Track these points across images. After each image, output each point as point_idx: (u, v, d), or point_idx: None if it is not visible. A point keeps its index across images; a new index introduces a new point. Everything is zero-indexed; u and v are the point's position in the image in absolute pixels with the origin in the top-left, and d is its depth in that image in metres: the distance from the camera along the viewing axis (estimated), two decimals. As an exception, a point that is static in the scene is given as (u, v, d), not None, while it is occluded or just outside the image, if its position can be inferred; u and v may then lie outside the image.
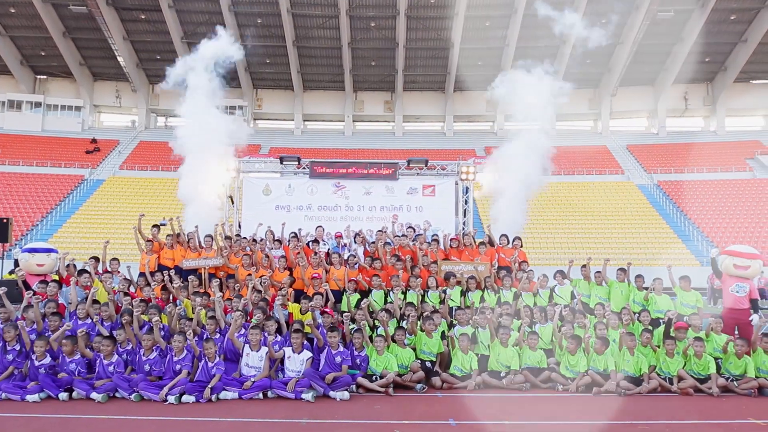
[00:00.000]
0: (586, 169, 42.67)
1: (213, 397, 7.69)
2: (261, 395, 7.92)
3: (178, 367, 8.05)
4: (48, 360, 8.15)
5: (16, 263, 11.72)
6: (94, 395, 7.60)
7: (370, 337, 9.11)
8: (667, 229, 35.41)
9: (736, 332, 9.90)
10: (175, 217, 13.16)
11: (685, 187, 40.52)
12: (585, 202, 38.33)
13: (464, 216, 16.80)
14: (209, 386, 7.73)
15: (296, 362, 8.30)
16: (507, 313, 9.91)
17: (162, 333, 8.96)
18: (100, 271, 11.20)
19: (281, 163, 17.06)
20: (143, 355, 8.29)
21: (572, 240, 33.52)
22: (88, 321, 9.16)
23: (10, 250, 24.67)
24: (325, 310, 9.85)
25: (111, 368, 8.08)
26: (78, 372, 8.12)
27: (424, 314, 9.87)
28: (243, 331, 8.91)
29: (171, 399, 7.50)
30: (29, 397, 7.55)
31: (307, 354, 8.42)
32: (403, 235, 13.14)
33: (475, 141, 48.00)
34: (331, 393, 7.91)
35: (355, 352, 8.71)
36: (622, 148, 47.35)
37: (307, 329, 9.28)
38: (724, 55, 46.77)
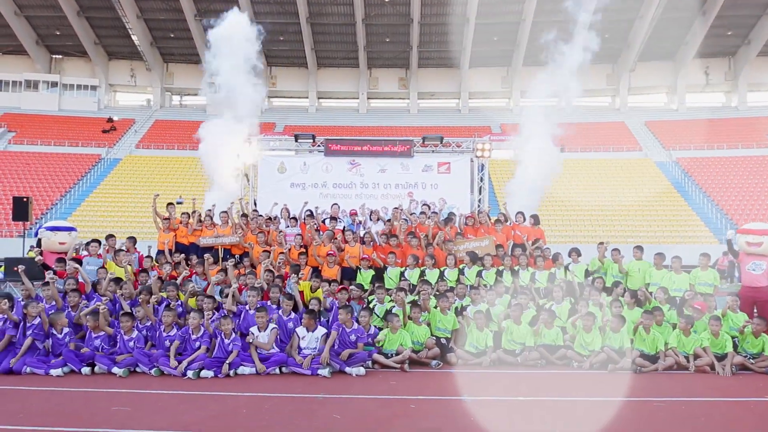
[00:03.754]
0: (603, 146, 42.19)
1: (231, 373, 7.82)
2: (278, 371, 8.04)
3: (197, 344, 8.18)
4: (68, 330, 8.35)
5: (39, 243, 11.90)
6: (115, 370, 7.77)
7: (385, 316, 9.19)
8: (686, 206, 35.03)
9: (755, 311, 9.83)
10: (192, 199, 13.29)
11: (705, 164, 39.96)
12: (602, 180, 37.97)
13: (480, 193, 16.77)
14: (227, 362, 7.86)
15: (311, 340, 8.38)
16: (522, 292, 9.92)
17: (180, 310, 9.11)
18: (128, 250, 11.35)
19: (296, 141, 17.11)
20: (164, 331, 8.42)
21: (589, 218, 33.30)
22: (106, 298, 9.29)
23: (30, 228, 25.06)
24: (343, 287, 9.93)
25: (131, 344, 8.24)
26: (102, 348, 8.30)
27: (440, 291, 9.91)
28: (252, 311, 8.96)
29: (190, 374, 7.63)
30: (53, 371, 7.73)
31: (321, 330, 8.50)
32: (421, 213, 13.15)
33: (491, 118, 47.59)
34: (347, 369, 8.00)
35: (364, 332, 8.74)
36: (641, 124, 46.70)
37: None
38: (748, 28, 45.69)
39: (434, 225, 12.36)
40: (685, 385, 7.67)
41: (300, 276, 10.31)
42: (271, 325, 8.49)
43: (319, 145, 16.90)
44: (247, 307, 9.05)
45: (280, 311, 9.01)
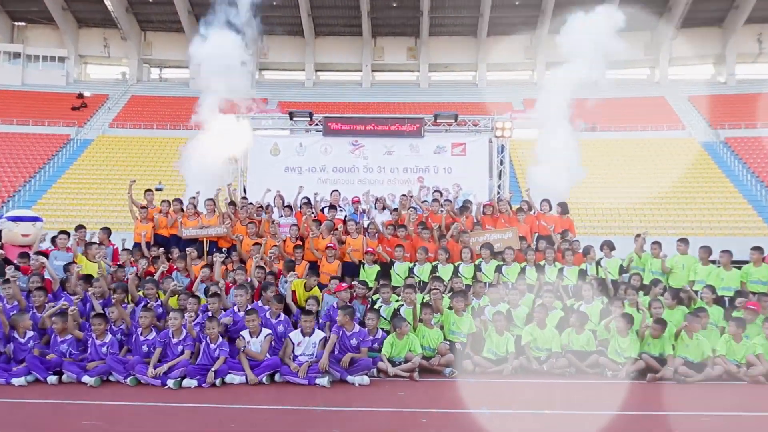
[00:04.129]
0: (640, 124, 41.88)
1: (217, 382, 7.79)
2: (270, 380, 8.00)
3: (179, 348, 8.15)
4: (32, 333, 8.34)
5: (-1, 235, 11.89)
6: (85, 378, 7.74)
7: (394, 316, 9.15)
8: (736, 193, 34.77)
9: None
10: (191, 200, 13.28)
11: (758, 144, 39.62)
12: (639, 162, 37.70)
13: (499, 178, 16.68)
14: (212, 369, 7.83)
15: (308, 346, 8.34)
16: (548, 291, 9.85)
17: (159, 311, 9.09)
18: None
19: (291, 119, 17.05)
20: (141, 334, 8.40)
21: (624, 206, 33.10)
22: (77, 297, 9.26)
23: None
24: (349, 285, 9.88)
25: (104, 349, 8.20)
26: (69, 353, 8.27)
27: (454, 289, 9.86)
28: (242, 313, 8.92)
29: (170, 383, 7.60)
30: (15, 381, 7.69)
31: (319, 335, 8.46)
32: (434, 201, 13.08)
33: (512, 92, 47.30)
34: (349, 378, 7.96)
35: (369, 336, 8.68)
36: (684, 99, 46.36)
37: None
38: (808, -12, 45.21)
39: (448, 214, 12.31)
40: (736, 398, 7.60)
41: (295, 273, 10.25)
42: (266, 331, 8.44)
43: (317, 124, 16.84)
44: (235, 308, 9.02)
45: (267, 313, 8.97)
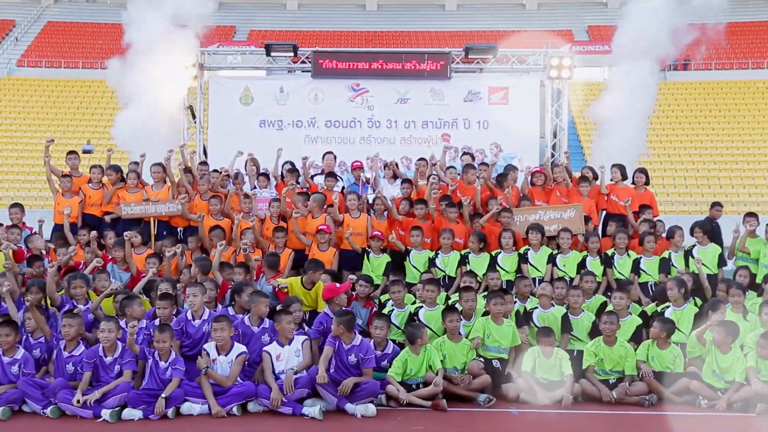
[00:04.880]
0: (752, 60, 41.57)
1: (169, 412, 7.82)
2: (238, 409, 8.04)
3: (117, 368, 8.21)
4: None
5: None
6: (-10, 409, 7.83)
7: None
8: None
9: None
10: (107, 151, 13.31)
11: None
12: (749, 113, 37.43)
13: (555, 136, 16.64)
14: (163, 395, 7.87)
15: (290, 357, 8.40)
16: (622, 290, 9.86)
17: (90, 317, 9.14)
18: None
19: (268, 54, 17.03)
20: (64, 349, 8.45)
21: (726, 174, 32.93)
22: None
23: None
24: (338, 287, 9.92)
25: (15, 369, 8.24)
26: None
27: (491, 288, 9.90)
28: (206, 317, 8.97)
29: (106, 415, 7.63)
30: None
31: (300, 339, 8.54)
32: (466, 167, 13.01)
33: (573, 17, 47.06)
34: (349, 407, 8.00)
35: (376, 350, 8.76)
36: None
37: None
38: None
39: (483, 185, 12.29)
40: None
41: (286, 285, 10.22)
42: (239, 348, 8.43)
43: (303, 61, 16.83)
44: (188, 314, 8.99)
45: (245, 317, 9.00)
